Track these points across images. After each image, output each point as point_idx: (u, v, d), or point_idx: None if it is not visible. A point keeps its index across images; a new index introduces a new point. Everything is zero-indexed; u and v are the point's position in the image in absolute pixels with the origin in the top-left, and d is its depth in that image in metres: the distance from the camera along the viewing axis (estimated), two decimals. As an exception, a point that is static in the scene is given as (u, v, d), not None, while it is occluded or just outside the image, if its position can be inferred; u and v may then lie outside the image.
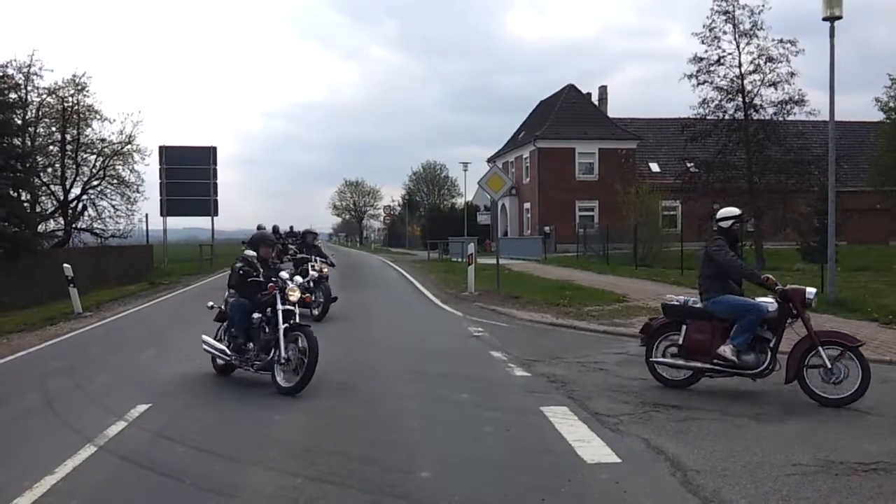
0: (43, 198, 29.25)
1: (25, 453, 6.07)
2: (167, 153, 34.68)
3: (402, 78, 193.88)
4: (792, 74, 28.93)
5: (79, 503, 4.98)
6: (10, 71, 25.86)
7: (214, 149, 35.69)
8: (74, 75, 31.23)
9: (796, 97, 28.96)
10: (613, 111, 51.49)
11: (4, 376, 10.04)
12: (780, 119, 29.57)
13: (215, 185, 35.56)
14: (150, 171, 34.92)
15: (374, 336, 12.80)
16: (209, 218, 36.06)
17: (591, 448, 5.83)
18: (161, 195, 34.66)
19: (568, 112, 48.11)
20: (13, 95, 25.53)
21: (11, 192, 21.54)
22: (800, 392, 7.26)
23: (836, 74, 14.32)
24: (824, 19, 13.86)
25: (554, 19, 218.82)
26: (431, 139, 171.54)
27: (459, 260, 34.24)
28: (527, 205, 49.45)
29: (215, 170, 35.51)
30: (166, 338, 12.82)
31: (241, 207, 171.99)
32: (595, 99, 51.87)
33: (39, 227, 26.20)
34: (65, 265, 17.36)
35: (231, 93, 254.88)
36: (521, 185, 49.55)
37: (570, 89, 50.30)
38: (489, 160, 55.84)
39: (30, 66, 27.71)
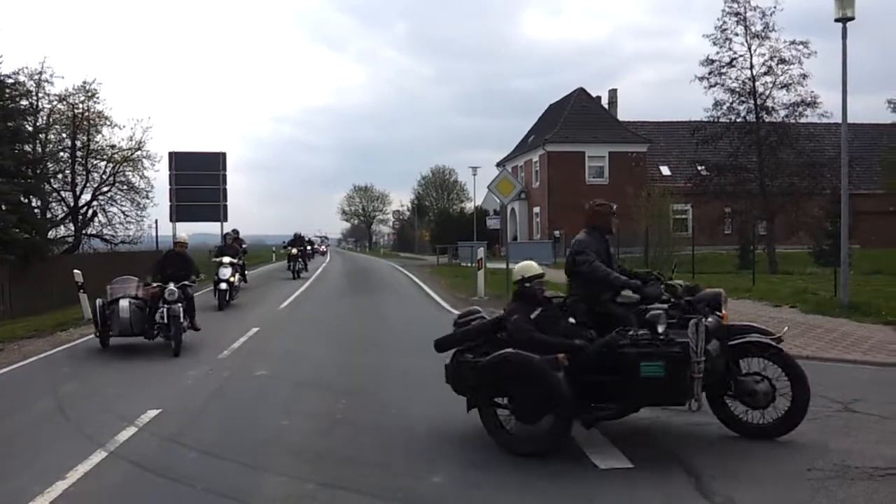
0: (53, 204, 29.41)
1: (37, 458, 6.07)
2: (177, 159, 34.70)
3: (412, 81, 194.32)
4: (804, 76, 28.81)
5: (90, 509, 4.98)
6: (21, 78, 25.88)
7: (224, 154, 35.69)
8: (84, 82, 31.45)
9: (809, 99, 28.83)
10: (624, 114, 51.35)
11: (16, 382, 10.06)
12: (793, 121, 29.41)
13: (225, 190, 35.61)
14: (159, 177, 34.99)
15: (382, 340, 12.77)
16: (219, 223, 36.08)
17: (603, 454, 5.77)
18: (171, 201, 34.64)
19: (578, 115, 48.00)
20: (24, 102, 25.60)
21: (22, 199, 21.69)
22: (814, 397, 7.16)
23: (849, 76, 14.16)
24: (837, 20, 13.73)
25: (568, 21, 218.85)
26: (440, 143, 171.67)
27: (469, 265, 34.23)
28: (536, 209, 49.36)
29: (225, 175, 35.54)
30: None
31: (250, 213, 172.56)
32: (605, 102, 51.77)
33: (50, 233, 26.35)
34: (75, 271, 17.39)
35: (240, 97, 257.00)
36: (530, 189, 49.47)
37: (580, 93, 50.22)
38: (499, 164, 55.74)
39: (41, 73, 27.87)
